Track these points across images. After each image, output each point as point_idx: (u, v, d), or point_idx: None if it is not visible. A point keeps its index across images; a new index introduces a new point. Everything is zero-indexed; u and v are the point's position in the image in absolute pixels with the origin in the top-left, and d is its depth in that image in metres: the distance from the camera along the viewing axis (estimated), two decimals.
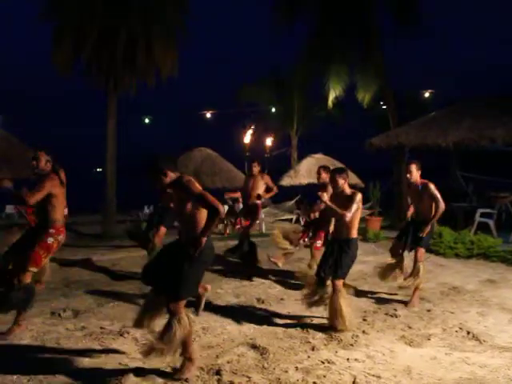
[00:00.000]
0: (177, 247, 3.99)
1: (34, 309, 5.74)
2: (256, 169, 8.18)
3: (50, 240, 4.85)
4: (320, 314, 5.50)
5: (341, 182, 5.27)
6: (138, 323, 4.17)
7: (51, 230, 4.85)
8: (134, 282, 6.94)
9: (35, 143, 7.84)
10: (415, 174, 6.12)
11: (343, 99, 16.62)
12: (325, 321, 5.36)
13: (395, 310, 5.76)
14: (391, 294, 6.44)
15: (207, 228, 3.74)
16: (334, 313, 4.99)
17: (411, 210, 6.41)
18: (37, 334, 4.88)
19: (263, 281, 7.19)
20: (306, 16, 15.84)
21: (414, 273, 6.02)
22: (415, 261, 6.07)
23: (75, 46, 11.76)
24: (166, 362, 4.18)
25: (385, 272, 6.35)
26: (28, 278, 4.73)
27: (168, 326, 3.82)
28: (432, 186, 6.06)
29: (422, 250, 6.06)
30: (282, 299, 6.25)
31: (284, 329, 5.04)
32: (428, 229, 5.97)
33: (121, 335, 4.85)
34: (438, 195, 6.02)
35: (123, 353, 4.40)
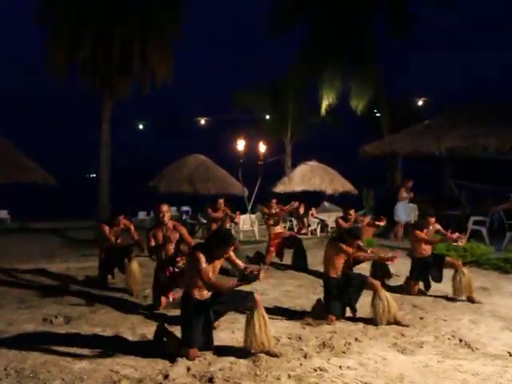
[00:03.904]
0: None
1: (26, 315, 5.72)
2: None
3: None
4: (313, 321, 5.51)
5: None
6: None
7: None
8: (127, 289, 6.92)
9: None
10: None
11: (337, 106, 16.72)
12: (318, 328, 5.37)
13: None
14: None
15: None
16: None
17: None
18: (28, 340, 4.84)
19: (256, 288, 7.18)
20: (302, 20, 15.96)
21: None
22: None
23: (70, 49, 11.76)
24: (158, 369, 4.17)
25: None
26: None
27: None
28: None
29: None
30: (275, 306, 6.24)
31: (277, 336, 5.02)
32: None
33: (113, 341, 4.82)
34: None
35: (115, 359, 4.37)
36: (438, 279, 6.87)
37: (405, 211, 11.84)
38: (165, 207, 6.10)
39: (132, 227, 7.51)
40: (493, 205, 12.04)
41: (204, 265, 4.38)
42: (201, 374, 4.06)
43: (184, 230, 6.23)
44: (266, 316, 4.52)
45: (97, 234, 10.07)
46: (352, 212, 8.00)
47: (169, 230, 6.07)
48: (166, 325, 4.84)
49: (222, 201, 9.02)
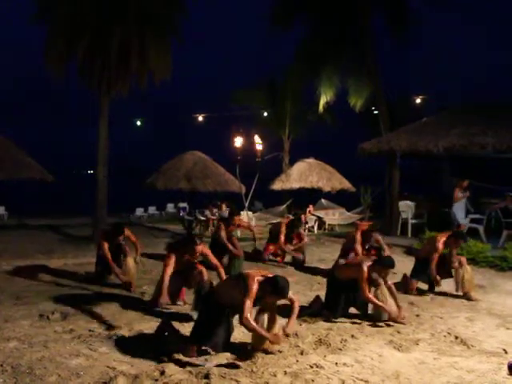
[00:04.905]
0: None
1: (22, 311, 5.72)
2: None
3: None
4: (309, 318, 5.53)
5: None
6: None
7: None
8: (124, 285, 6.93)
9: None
10: None
11: (335, 103, 16.75)
12: (314, 325, 5.38)
13: None
14: None
15: None
16: None
17: None
18: (24, 336, 4.84)
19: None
20: (301, 18, 15.96)
21: None
22: None
23: (68, 48, 11.73)
24: (154, 365, 4.17)
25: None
26: None
27: None
28: None
29: None
30: None
31: None
32: None
33: (109, 338, 4.83)
34: None
35: (111, 356, 4.38)
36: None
37: (462, 212, 11.33)
38: (199, 248, 5.97)
39: (133, 238, 7.49)
40: (490, 203, 12.06)
41: (250, 300, 4.29)
42: (197, 371, 4.07)
43: (210, 255, 6.07)
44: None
45: (96, 239, 10.03)
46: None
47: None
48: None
49: (237, 218, 9.07)
